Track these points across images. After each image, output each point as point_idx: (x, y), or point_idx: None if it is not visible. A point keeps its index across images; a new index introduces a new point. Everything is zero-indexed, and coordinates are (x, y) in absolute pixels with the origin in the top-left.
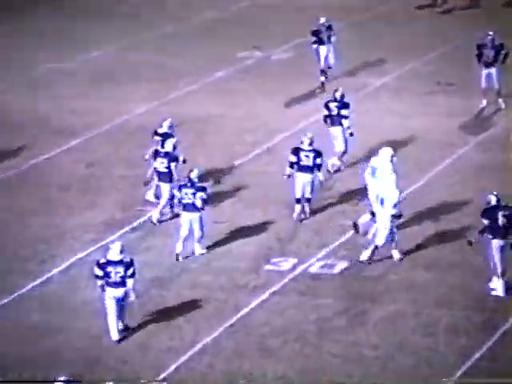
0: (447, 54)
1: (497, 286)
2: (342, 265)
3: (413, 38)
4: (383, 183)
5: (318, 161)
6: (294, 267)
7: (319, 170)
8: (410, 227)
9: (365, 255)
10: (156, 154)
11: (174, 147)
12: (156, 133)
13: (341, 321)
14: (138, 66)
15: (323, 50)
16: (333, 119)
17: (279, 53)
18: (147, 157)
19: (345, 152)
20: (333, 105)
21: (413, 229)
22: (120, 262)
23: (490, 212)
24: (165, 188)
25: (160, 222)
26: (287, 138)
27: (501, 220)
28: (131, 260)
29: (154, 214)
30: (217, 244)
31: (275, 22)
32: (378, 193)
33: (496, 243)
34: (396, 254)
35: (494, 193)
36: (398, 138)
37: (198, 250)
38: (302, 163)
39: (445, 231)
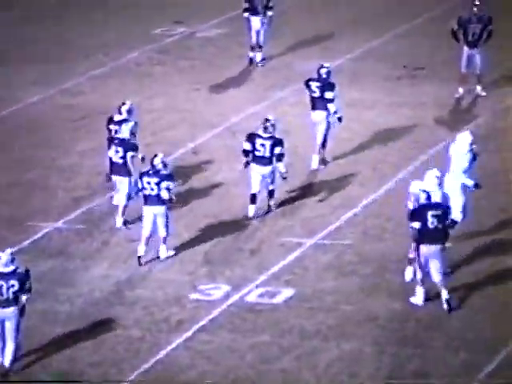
0: (415, 30)
1: (417, 294)
2: (285, 293)
3: (373, 10)
4: None
5: (278, 150)
6: (227, 296)
7: (279, 160)
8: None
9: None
10: (110, 141)
11: (132, 133)
12: (111, 120)
13: (284, 363)
14: (30, 42)
15: (256, 21)
16: (314, 102)
17: (207, 29)
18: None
19: (324, 144)
20: (314, 84)
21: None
22: (12, 274)
23: (421, 211)
24: (122, 183)
25: (126, 223)
26: (217, 136)
27: (430, 222)
28: (26, 271)
29: (118, 219)
30: (131, 268)
31: None
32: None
33: (425, 248)
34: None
35: (436, 173)
36: (356, 134)
37: (164, 252)
38: (257, 153)
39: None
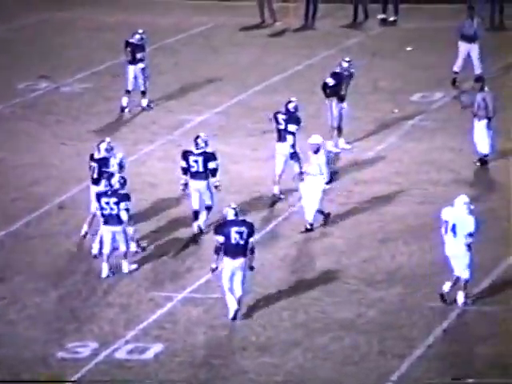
0: (282, 84)
1: (230, 305)
2: (155, 348)
3: (237, 66)
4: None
5: (212, 165)
6: (95, 353)
7: (214, 175)
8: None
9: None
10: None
11: (121, 166)
12: (92, 158)
13: None
14: None
15: (131, 70)
16: (279, 134)
17: (72, 83)
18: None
19: (279, 177)
20: (281, 117)
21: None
22: None
23: (223, 227)
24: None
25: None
26: (84, 190)
27: (233, 237)
28: None
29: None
30: None
31: (69, 44)
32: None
33: (227, 262)
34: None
35: (233, 206)
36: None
37: (126, 267)
38: (192, 169)
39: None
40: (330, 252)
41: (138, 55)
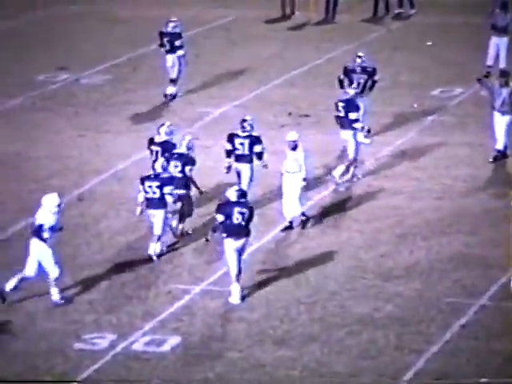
0: (299, 79)
1: (233, 293)
2: (172, 340)
3: (258, 59)
4: None
5: (257, 149)
6: (113, 345)
7: (260, 158)
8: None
9: None
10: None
11: (189, 148)
12: (152, 142)
13: None
14: None
15: (169, 58)
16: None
17: (91, 75)
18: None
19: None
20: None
21: None
22: None
23: (226, 208)
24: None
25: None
26: (103, 182)
27: (236, 217)
28: None
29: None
30: (11, 317)
31: (86, 37)
32: None
33: (229, 243)
34: None
35: (236, 188)
36: None
37: (153, 249)
38: (237, 152)
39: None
40: (348, 246)
41: (177, 42)
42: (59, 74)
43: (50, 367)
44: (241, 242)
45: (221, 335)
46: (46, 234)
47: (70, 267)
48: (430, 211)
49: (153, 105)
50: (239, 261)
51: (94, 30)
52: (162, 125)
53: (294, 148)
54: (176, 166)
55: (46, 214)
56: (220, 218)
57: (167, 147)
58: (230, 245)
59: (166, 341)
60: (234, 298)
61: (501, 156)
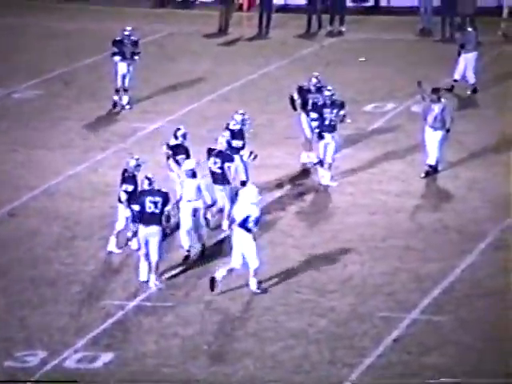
0: (236, 91)
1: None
2: (105, 357)
3: (191, 76)
4: None
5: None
6: (44, 362)
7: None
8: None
9: None
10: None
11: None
12: (168, 146)
13: None
14: None
15: (122, 66)
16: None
17: (24, 90)
18: None
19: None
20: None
21: None
22: None
23: (139, 197)
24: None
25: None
26: (35, 197)
27: (148, 206)
28: None
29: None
30: None
31: (20, 50)
32: None
33: (142, 230)
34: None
35: (148, 175)
36: None
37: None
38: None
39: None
40: (283, 261)
41: (134, 49)
42: None
43: None
44: (153, 229)
45: (155, 351)
46: None
47: (4, 282)
48: (363, 226)
49: (85, 120)
50: (158, 248)
51: (28, 43)
52: (179, 129)
53: (194, 175)
54: (215, 163)
55: None
56: (136, 207)
57: (178, 151)
58: (142, 232)
59: (98, 357)
60: (151, 283)
61: (432, 171)
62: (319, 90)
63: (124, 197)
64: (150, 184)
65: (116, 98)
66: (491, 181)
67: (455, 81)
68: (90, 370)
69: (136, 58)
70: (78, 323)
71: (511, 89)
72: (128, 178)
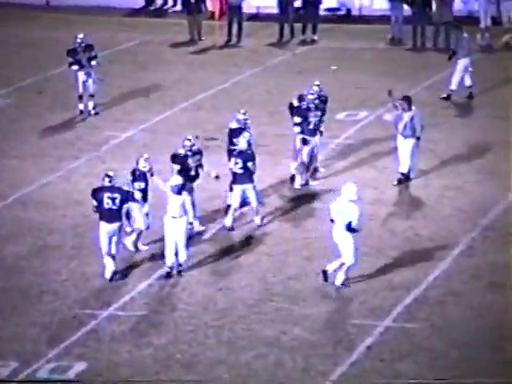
0: (209, 100)
1: (107, 266)
2: (78, 367)
3: (174, 80)
4: None
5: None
6: (15, 373)
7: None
8: None
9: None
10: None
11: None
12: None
13: None
14: None
15: (81, 74)
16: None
17: None
18: None
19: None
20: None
21: None
22: None
23: (98, 193)
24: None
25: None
26: (7, 207)
27: (106, 202)
28: None
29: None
30: None
31: None
32: None
33: (103, 226)
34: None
35: (109, 173)
36: None
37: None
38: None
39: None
40: (256, 269)
41: (91, 53)
42: None
43: None
44: (113, 225)
45: (128, 360)
46: None
47: None
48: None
49: (58, 129)
50: (116, 243)
51: None
52: (189, 140)
53: (179, 192)
54: (236, 163)
55: None
56: (94, 202)
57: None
58: (103, 228)
59: (71, 367)
60: (107, 273)
61: (405, 179)
62: (320, 98)
63: (138, 195)
64: (110, 181)
65: (81, 105)
66: (462, 189)
67: (452, 90)
68: (63, 381)
69: (93, 63)
70: (50, 333)
71: (481, 97)
72: (139, 176)
